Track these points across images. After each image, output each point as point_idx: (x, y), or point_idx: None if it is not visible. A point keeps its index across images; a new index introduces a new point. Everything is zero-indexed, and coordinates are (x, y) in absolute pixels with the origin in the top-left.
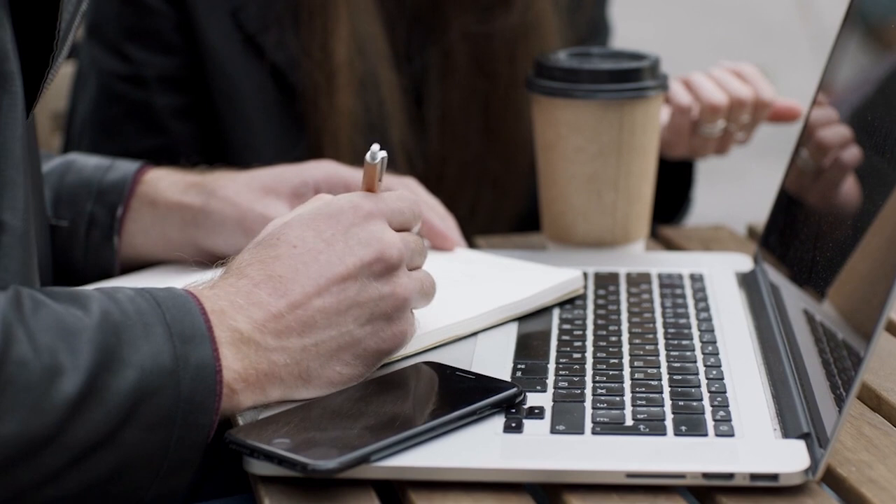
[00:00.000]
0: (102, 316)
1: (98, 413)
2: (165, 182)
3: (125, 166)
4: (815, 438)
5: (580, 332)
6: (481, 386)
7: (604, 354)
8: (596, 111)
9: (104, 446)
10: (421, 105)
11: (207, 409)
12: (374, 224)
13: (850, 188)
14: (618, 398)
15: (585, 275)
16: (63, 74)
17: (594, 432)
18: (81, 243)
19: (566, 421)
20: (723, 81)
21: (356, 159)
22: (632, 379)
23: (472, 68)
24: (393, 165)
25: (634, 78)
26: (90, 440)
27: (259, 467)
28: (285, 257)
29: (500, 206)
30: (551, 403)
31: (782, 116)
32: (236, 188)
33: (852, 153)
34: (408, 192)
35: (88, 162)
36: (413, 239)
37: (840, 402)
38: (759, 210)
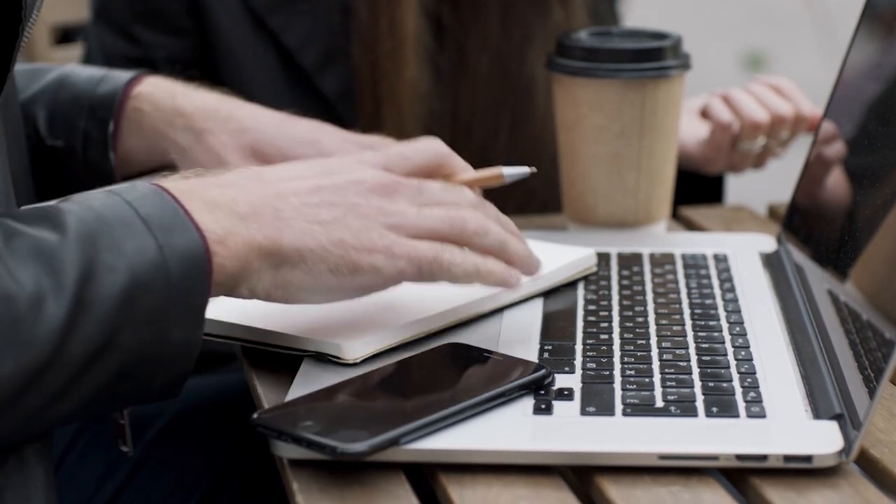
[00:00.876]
0: (77, 230)
1: (90, 325)
2: (154, 103)
3: (116, 78)
4: (848, 419)
5: (606, 313)
6: (510, 367)
7: (631, 335)
8: (618, 90)
9: (103, 354)
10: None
11: (201, 290)
12: (385, 200)
13: (874, 169)
14: (647, 379)
15: (608, 255)
16: (69, 59)
17: (625, 413)
18: (80, 161)
19: (596, 402)
20: (763, 98)
21: (420, 127)
22: (660, 360)
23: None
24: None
25: (656, 57)
26: (88, 352)
27: (287, 450)
28: (265, 174)
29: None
30: (580, 384)
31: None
32: (223, 141)
33: (878, 133)
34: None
35: (81, 75)
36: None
37: (869, 383)
38: (775, 190)
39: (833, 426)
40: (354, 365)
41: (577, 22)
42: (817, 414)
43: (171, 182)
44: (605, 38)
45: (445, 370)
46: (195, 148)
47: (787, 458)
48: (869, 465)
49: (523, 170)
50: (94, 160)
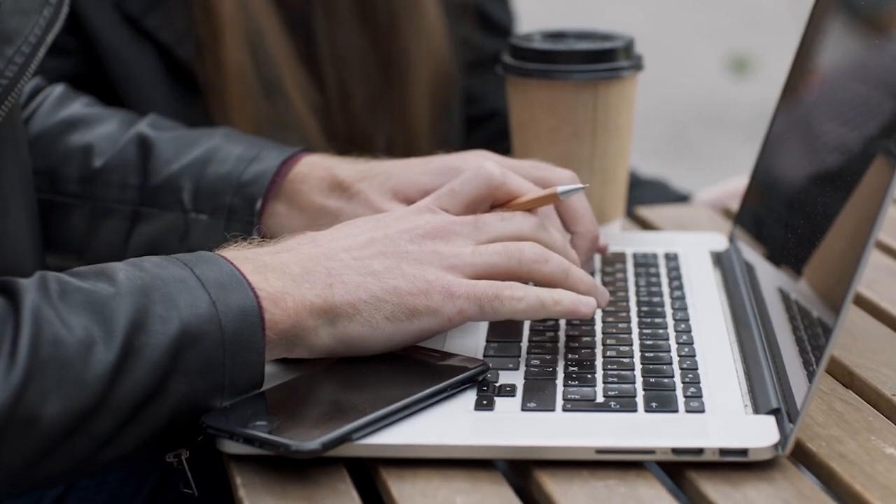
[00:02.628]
0: (130, 282)
1: (139, 371)
2: (311, 182)
3: (270, 158)
4: (786, 414)
5: None
6: (451, 363)
7: (576, 333)
8: (570, 92)
9: (154, 400)
10: (311, 46)
11: (255, 347)
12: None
13: (823, 166)
14: (589, 375)
15: None
16: None
17: (565, 409)
18: (220, 235)
19: (537, 398)
20: None
21: (251, 122)
22: (604, 357)
23: (352, 3)
24: (293, 111)
25: (608, 58)
26: (138, 398)
27: (232, 447)
28: (319, 237)
29: (410, 138)
30: (523, 381)
31: None
32: (372, 189)
33: (825, 132)
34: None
35: (232, 152)
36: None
37: (812, 377)
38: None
39: (770, 420)
40: (299, 360)
41: None
42: (756, 409)
43: (228, 250)
44: (557, 41)
45: (388, 367)
46: (345, 208)
47: (723, 452)
48: (806, 459)
49: (577, 186)
50: (236, 233)
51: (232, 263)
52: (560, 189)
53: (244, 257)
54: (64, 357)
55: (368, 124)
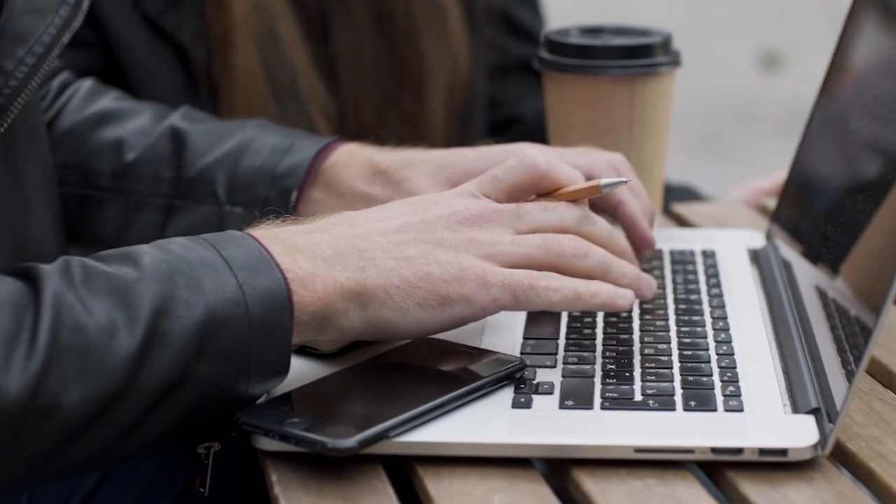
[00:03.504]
0: (155, 268)
1: (164, 358)
2: (351, 169)
3: (305, 149)
4: (825, 414)
5: None
6: (487, 360)
7: (614, 330)
8: (607, 87)
9: (180, 386)
10: (326, 51)
11: (283, 328)
12: (479, 230)
13: (862, 164)
14: (627, 373)
15: None
16: None
17: (603, 407)
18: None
19: (575, 396)
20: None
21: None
22: (642, 354)
23: (371, 9)
24: (305, 115)
25: (645, 54)
26: (163, 384)
27: (267, 444)
28: (355, 217)
29: (420, 146)
30: (560, 379)
31: None
32: (422, 183)
33: (864, 130)
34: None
35: (266, 144)
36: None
37: (851, 377)
38: None
39: (810, 420)
40: (332, 356)
41: None
42: (795, 408)
43: (258, 229)
44: (594, 36)
45: (425, 364)
46: (393, 196)
47: (763, 452)
48: (846, 459)
49: (620, 180)
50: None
51: (261, 243)
52: (603, 182)
53: (275, 236)
54: (85, 343)
55: (381, 131)
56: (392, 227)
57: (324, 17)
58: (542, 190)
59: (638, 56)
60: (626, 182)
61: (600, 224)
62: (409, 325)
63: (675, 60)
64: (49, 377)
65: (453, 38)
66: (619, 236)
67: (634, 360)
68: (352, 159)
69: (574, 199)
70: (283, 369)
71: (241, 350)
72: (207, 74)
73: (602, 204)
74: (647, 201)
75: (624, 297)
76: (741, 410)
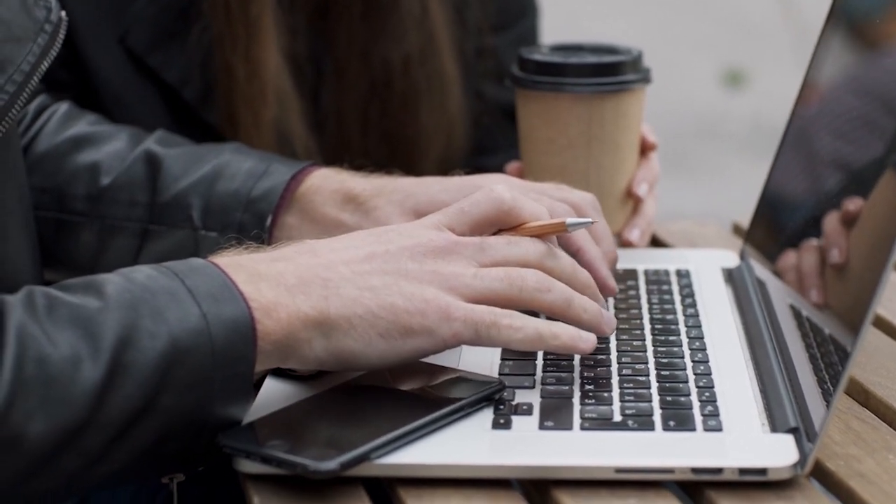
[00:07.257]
0: (118, 298)
1: (128, 388)
2: (324, 194)
3: (280, 174)
4: (804, 433)
5: None
6: (465, 381)
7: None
8: (565, 104)
9: (144, 416)
10: (318, 109)
11: (246, 357)
12: (440, 262)
13: (835, 184)
14: (606, 394)
15: None
16: None
17: (583, 428)
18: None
19: (554, 417)
20: None
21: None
22: (620, 375)
23: (365, 70)
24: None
25: (608, 72)
26: (128, 414)
27: (248, 466)
28: (318, 247)
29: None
30: (539, 400)
31: None
32: (390, 211)
33: (832, 147)
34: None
35: (241, 168)
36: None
37: (828, 396)
38: (739, 205)
39: (789, 439)
40: (312, 378)
41: (434, 12)
42: (774, 427)
43: (221, 257)
44: (566, 54)
45: (404, 386)
46: (364, 225)
47: (742, 471)
48: (825, 478)
49: (585, 220)
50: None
51: (224, 272)
52: (569, 221)
53: (238, 264)
54: (49, 375)
55: None
56: (356, 257)
57: (317, 73)
58: (507, 224)
59: (600, 74)
60: (592, 223)
61: (564, 259)
62: (371, 356)
63: (642, 78)
64: (13, 409)
65: (452, 109)
66: (581, 272)
67: (612, 381)
68: (325, 184)
69: (539, 234)
70: (248, 398)
71: (204, 379)
72: (198, 115)
73: (563, 247)
74: (610, 245)
75: (586, 341)
76: (720, 430)
